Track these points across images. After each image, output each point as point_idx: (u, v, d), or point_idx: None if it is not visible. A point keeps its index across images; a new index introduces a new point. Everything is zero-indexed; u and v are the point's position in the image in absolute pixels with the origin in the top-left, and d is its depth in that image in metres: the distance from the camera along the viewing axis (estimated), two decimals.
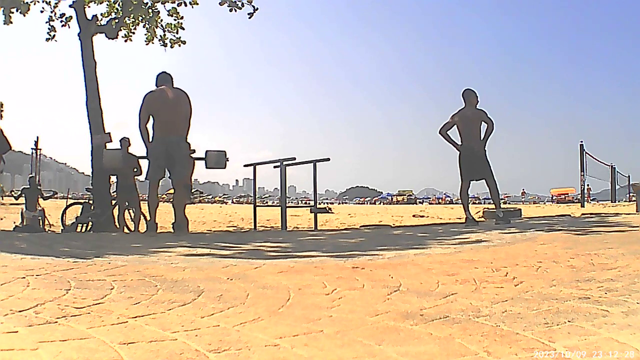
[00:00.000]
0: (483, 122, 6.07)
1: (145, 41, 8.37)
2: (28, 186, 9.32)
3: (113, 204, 7.46)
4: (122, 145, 7.83)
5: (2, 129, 5.81)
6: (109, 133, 7.04)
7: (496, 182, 6.08)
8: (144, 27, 8.28)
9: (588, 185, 18.87)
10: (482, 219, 8.02)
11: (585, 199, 18.85)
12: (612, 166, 24.96)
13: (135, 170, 7.57)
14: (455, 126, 6.16)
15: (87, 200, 8.07)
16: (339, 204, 64.32)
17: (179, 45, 8.46)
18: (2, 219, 10.58)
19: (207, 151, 5.79)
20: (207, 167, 5.69)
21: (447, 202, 49.44)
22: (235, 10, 8.05)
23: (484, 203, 35.07)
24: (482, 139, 6.04)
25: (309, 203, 25.58)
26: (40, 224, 8.68)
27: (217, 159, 5.70)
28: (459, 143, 6.12)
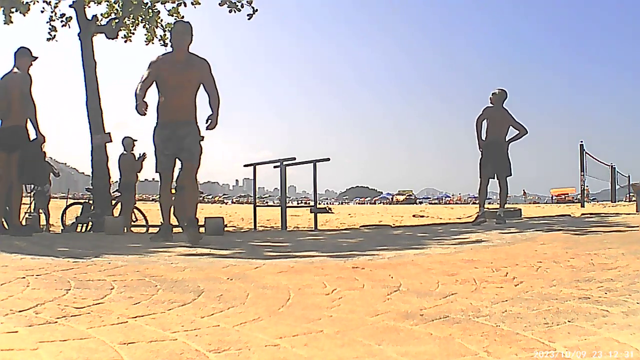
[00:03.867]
0: (511, 127, 6.15)
1: (146, 41, 8.37)
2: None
3: (113, 203, 7.47)
4: (126, 145, 7.84)
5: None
6: (109, 133, 7.03)
7: (507, 184, 6.14)
8: (144, 27, 8.27)
9: (587, 186, 18.83)
10: (482, 219, 8.03)
11: (584, 199, 18.83)
12: (612, 166, 24.93)
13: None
14: (485, 120, 6.18)
15: (87, 200, 8.06)
16: (339, 204, 64.33)
17: None
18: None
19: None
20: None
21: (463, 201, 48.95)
22: (235, 12, 8.06)
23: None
24: (508, 139, 6.12)
25: (309, 203, 25.58)
26: (40, 224, 8.67)
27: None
28: (484, 138, 6.14)
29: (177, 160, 4.04)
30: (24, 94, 4.76)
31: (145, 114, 3.81)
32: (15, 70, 4.86)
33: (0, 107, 4.72)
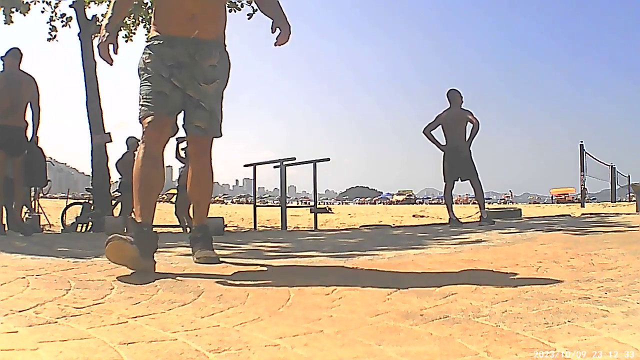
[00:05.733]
0: (468, 122, 6.09)
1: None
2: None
3: (113, 204, 7.47)
4: (130, 145, 7.83)
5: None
6: (109, 133, 7.04)
7: (481, 183, 6.08)
8: (144, 27, 8.28)
9: (585, 187, 18.83)
10: (455, 223, 8.03)
11: (584, 199, 18.85)
12: (612, 166, 24.94)
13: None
14: (440, 126, 6.19)
15: (87, 200, 8.07)
16: (339, 204, 64.36)
17: None
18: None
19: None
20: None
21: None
22: (235, 11, 8.06)
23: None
24: (467, 139, 6.05)
25: (309, 203, 25.60)
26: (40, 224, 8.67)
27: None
28: (444, 143, 6.15)
29: (183, 110, 2.33)
30: (34, 98, 4.82)
31: (111, 63, 2.27)
32: (22, 70, 4.90)
33: (4, 103, 4.69)
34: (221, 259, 2.41)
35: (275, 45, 2.43)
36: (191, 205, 2.55)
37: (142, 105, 2.27)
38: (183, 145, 7.87)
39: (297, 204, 49.10)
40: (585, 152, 18.89)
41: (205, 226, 2.52)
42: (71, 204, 8.78)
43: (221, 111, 2.43)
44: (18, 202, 5.02)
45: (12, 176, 4.91)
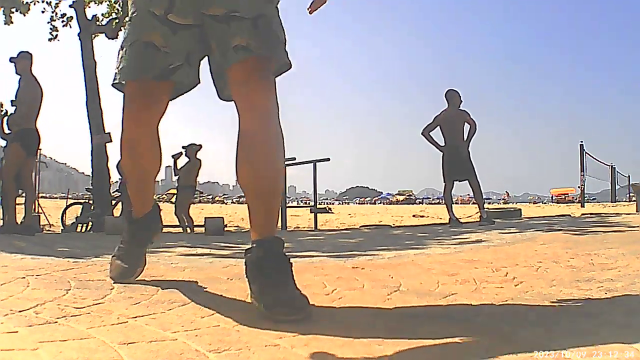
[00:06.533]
0: (466, 123, 6.12)
1: None
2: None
3: (113, 204, 7.47)
4: None
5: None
6: (109, 133, 7.04)
7: (479, 184, 6.09)
8: None
9: (583, 188, 18.84)
10: (455, 223, 8.06)
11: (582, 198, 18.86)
12: (612, 166, 24.95)
13: None
14: (438, 127, 6.22)
15: (87, 200, 8.07)
16: (339, 204, 64.38)
17: None
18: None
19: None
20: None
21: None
22: None
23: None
24: (465, 140, 6.07)
25: (309, 203, 25.62)
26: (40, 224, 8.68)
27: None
28: (442, 144, 6.17)
29: (206, 50, 1.54)
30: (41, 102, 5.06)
31: None
32: (33, 74, 5.05)
33: (37, 108, 4.92)
34: (221, 259, 2.41)
35: (309, 11, 1.57)
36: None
37: (118, 63, 1.56)
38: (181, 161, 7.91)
39: (297, 204, 49.13)
40: (585, 152, 18.91)
41: (275, 241, 1.47)
42: (71, 204, 8.79)
43: (281, 26, 1.49)
44: (29, 203, 5.12)
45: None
